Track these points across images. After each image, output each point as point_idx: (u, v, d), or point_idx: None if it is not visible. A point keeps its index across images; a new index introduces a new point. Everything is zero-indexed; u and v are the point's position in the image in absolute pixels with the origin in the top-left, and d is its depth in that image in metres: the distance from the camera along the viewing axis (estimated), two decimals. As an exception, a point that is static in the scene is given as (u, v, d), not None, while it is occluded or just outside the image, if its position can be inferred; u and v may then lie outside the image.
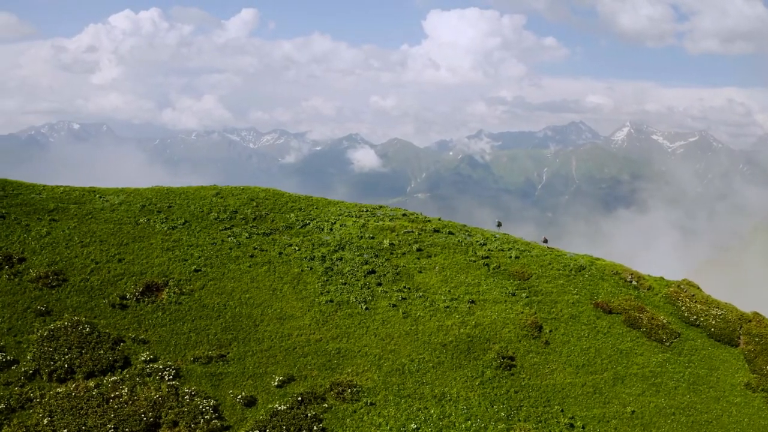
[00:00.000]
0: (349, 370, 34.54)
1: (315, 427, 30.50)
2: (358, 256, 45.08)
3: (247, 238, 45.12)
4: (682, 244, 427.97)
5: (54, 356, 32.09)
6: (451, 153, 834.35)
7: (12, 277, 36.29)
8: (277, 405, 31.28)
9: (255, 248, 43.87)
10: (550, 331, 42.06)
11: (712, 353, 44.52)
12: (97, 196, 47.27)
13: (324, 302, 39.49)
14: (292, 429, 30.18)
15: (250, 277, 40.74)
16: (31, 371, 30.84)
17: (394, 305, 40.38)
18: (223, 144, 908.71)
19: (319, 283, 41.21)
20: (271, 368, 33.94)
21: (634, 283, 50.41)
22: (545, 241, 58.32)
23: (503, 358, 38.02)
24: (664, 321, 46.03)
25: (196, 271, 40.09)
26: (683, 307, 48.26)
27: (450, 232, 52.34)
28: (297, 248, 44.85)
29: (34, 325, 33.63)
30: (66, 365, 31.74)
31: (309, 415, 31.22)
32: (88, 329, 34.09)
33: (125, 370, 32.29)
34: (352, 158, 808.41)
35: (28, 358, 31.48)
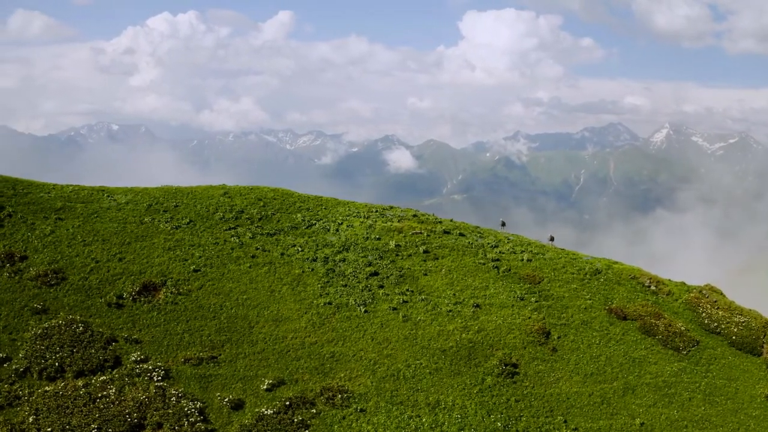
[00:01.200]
0: (342, 375, 33.68)
1: (300, 433, 29.72)
2: (362, 257, 44.21)
3: (250, 238, 44.74)
4: (720, 247, 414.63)
5: (45, 354, 32.13)
6: (487, 154, 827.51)
7: (12, 275, 36.58)
8: (264, 409, 30.66)
9: (257, 248, 43.43)
10: (559, 337, 40.41)
11: (732, 362, 42.17)
12: (106, 195, 47.57)
13: (322, 304, 38.75)
14: (277, 434, 29.46)
15: (249, 278, 40.28)
16: (22, 369, 30.90)
17: (395, 308, 39.37)
18: (260, 145, 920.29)
19: (319, 285, 40.49)
20: (262, 371, 33.34)
21: (652, 288, 48.22)
22: (551, 239, 56.64)
23: (506, 365, 36.62)
24: (682, 328, 43.82)
25: (195, 271, 39.84)
26: (704, 314, 45.91)
27: (461, 234, 51.03)
28: (300, 249, 44.24)
29: (30, 323, 33.76)
30: (56, 364, 31.72)
31: (296, 420, 30.50)
32: (81, 328, 34.09)
33: (115, 370, 32.11)
34: (388, 159, 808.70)
35: (20, 355, 31.56)
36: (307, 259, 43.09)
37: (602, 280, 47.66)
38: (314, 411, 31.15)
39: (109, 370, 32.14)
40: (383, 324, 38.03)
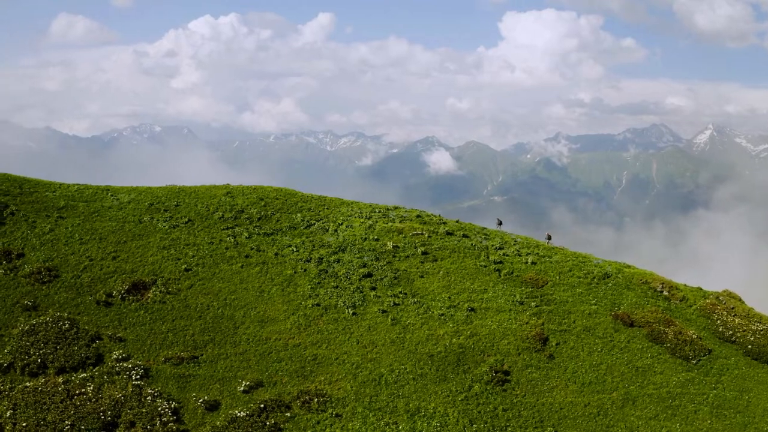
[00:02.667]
0: (322, 378, 32.99)
1: (271, 437, 29.14)
2: (357, 258, 43.46)
3: (246, 237, 44.53)
4: (763, 249, 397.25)
5: (30, 351, 32.46)
6: (528, 156, 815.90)
7: (8, 272, 37.21)
8: (237, 411, 30.18)
9: (252, 248, 43.17)
10: (557, 344, 38.78)
11: (745, 373, 39.70)
12: (109, 194, 48.16)
13: (310, 306, 38.16)
14: (247, 437, 28.94)
15: (240, 278, 40.03)
16: (6, 364, 31.29)
17: (385, 311, 38.46)
18: (301, 146, 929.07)
19: (310, 286, 39.93)
20: (241, 372, 32.94)
21: (665, 293, 45.95)
22: (548, 238, 54.93)
23: (496, 372, 35.28)
24: (694, 336, 41.55)
25: (186, 270, 39.81)
26: (718, 321, 43.46)
27: (464, 236, 49.71)
28: (295, 249, 43.78)
29: (20, 319, 34.22)
30: (39, 360, 32.01)
31: (268, 423, 29.97)
32: (67, 325, 34.34)
33: (96, 368, 32.21)
34: (427, 161, 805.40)
35: (6, 351, 31.98)
36: (301, 259, 42.60)
37: (611, 284, 45.66)
38: (289, 414, 30.55)
39: (91, 367, 32.25)
40: (371, 327, 37.18)
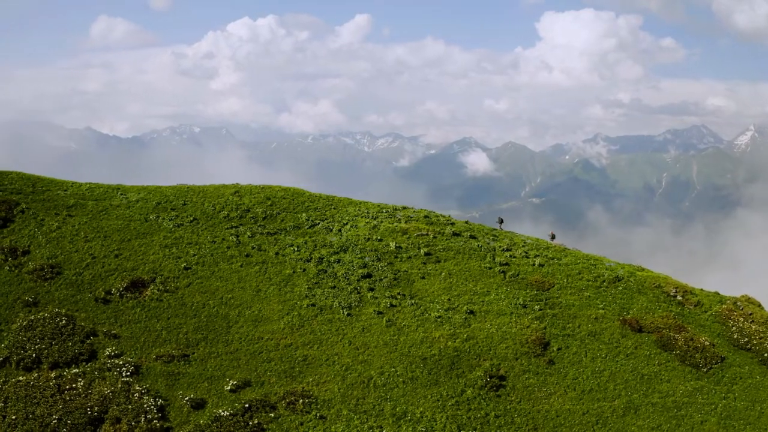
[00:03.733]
0: (310, 380, 32.70)
1: (253, 437, 28.96)
2: (358, 258, 43.06)
3: (249, 237, 44.62)
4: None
5: (26, 346, 33.11)
6: (566, 157, 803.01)
7: (13, 268, 38.07)
8: (221, 410, 30.11)
9: (253, 248, 43.23)
10: (559, 349, 37.62)
11: (760, 382, 37.79)
12: (119, 193, 48.89)
13: (305, 306, 37.94)
14: (228, 436, 28.84)
15: (238, 277, 40.10)
16: (2, 359, 32.00)
17: (380, 312, 37.97)
18: (338, 147, 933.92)
19: (307, 286, 39.74)
20: (230, 372, 32.92)
21: (678, 297, 44.19)
22: (552, 236, 53.59)
23: (491, 377, 34.41)
24: (706, 343, 39.78)
25: (186, 268, 40.08)
26: (734, 328, 41.54)
27: (472, 236, 48.79)
28: (297, 249, 43.66)
29: (20, 315, 34.96)
30: (34, 355, 32.62)
31: (251, 423, 29.84)
32: (64, 321, 34.93)
33: (89, 363, 32.65)
34: (465, 162, 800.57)
35: (2, 346, 32.69)
36: (301, 259, 42.45)
37: (621, 288, 44.13)
38: (273, 415, 30.37)
39: (84, 363, 32.70)
40: (365, 328, 36.73)
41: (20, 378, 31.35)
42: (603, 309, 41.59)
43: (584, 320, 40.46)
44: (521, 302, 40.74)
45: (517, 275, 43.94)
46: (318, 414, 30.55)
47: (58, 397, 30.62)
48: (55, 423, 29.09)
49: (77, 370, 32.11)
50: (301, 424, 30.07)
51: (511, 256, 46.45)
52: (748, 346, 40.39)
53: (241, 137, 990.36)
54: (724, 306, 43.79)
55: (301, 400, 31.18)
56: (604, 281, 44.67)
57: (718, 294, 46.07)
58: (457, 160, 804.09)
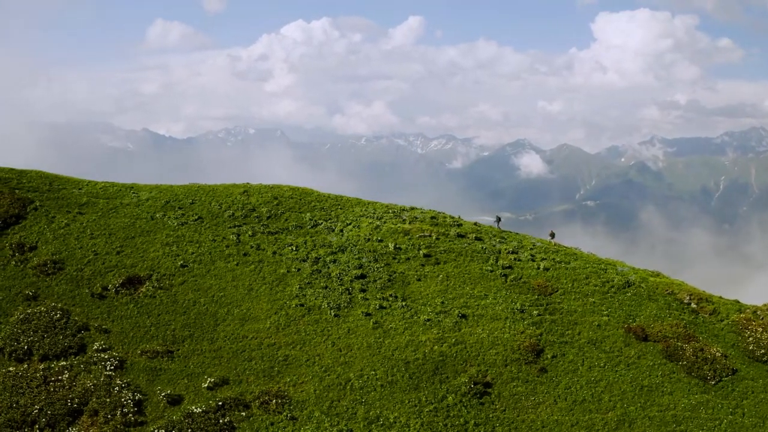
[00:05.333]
0: (288, 380, 32.51)
1: (221, 435, 28.96)
2: (355, 258, 42.65)
3: (250, 236, 44.89)
4: None
5: (20, 338, 34.27)
6: (622, 159, 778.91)
7: (18, 263, 39.51)
8: (194, 407, 30.26)
9: (252, 247, 43.46)
10: (554, 356, 36.14)
11: (772, 400, 35.19)
12: (132, 192, 50.07)
13: (294, 306, 37.81)
14: (197, 433, 28.94)
15: (232, 275, 40.37)
16: (-4, 350, 32.97)
17: (368, 314, 37.43)
18: (391, 149, 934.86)
19: (299, 286, 39.64)
20: (210, 369, 33.13)
21: (692, 305, 41.81)
22: (552, 235, 51.73)
23: (475, 383, 33.34)
24: (717, 354, 37.42)
25: (182, 266, 40.65)
26: (750, 338, 38.93)
27: (478, 238, 47.55)
28: (295, 248, 43.62)
29: (19, 308, 36.21)
30: (26, 347, 33.72)
31: (222, 421, 29.90)
32: (59, 315, 35.97)
33: (77, 357, 33.50)
34: (518, 164, 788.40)
35: (-2, 337, 33.67)
36: (297, 258, 42.37)
37: (630, 294, 42.08)
38: (245, 414, 30.34)
39: (72, 356, 33.56)
40: (351, 330, 36.26)
41: (10, 369, 32.45)
42: (607, 316, 39.74)
43: (585, 327, 38.75)
44: (519, 307, 39.36)
45: (519, 279, 42.53)
46: (289, 415, 30.32)
47: (42, 388, 31.52)
48: (36, 413, 29.96)
49: (65, 363, 32.97)
50: (272, 424, 29.90)
51: (516, 259, 45.02)
52: (765, 359, 37.75)
53: (295, 138, 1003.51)
54: (742, 315, 41.11)
55: (274, 400, 31.03)
56: (612, 287, 42.69)
57: (738, 302, 43.30)
58: (510, 162, 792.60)
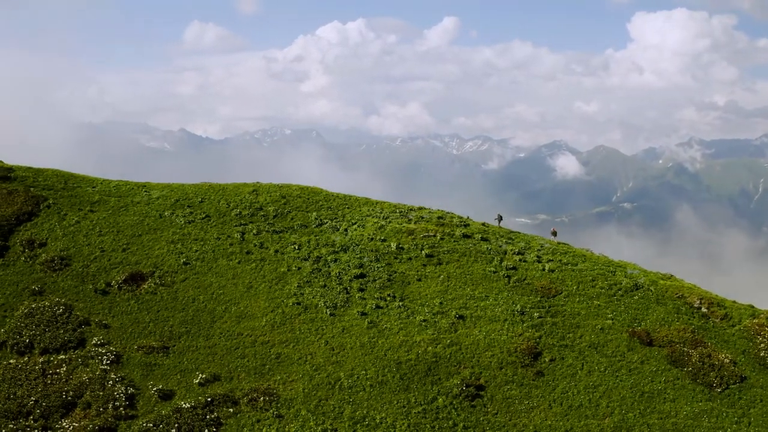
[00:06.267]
0: (278, 378, 32.58)
1: (207, 431, 29.23)
2: (356, 258, 42.51)
3: (254, 234, 45.19)
4: None
5: (23, 332, 35.27)
6: (660, 161, 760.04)
7: (27, 259, 40.62)
8: (183, 402, 30.55)
9: (255, 245, 43.74)
10: (552, 359, 35.35)
11: (782, 410, 33.68)
12: (144, 190, 50.94)
13: (291, 304, 37.90)
14: (183, 428, 29.36)
15: (233, 273, 40.71)
16: (-1, 342, 33.94)
17: (364, 313, 37.25)
18: (427, 150, 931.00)
19: (297, 284, 39.69)
20: (204, 366, 33.47)
21: (703, 309, 40.39)
22: (554, 233, 50.71)
23: (467, 385, 32.83)
24: (726, 360, 36.06)
25: (185, 264, 41.18)
26: (762, 344, 37.39)
27: (484, 239, 46.86)
28: (298, 247, 43.73)
29: (25, 302, 37.16)
30: (27, 340, 34.67)
31: (209, 417, 30.14)
32: (62, 310, 36.85)
33: (76, 351, 34.30)
34: (554, 165, 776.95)
35: (2, 331, 34.78)
36: (299, 257, 42.46)
37: (637, 297, 40.88)
38: (232, 410, 30.53)
39: (71, 350, 34.38)
40: (345, 329, 36.14)
41: (11, 361, 33.38)
42: (611, 319, 38.69)
43: (588, 330, 37.80)
44: (519, 309, 38.63)
45: (523, 280, 41.76)
46: (276, 412, 30.37)
47: (40, 380, 32.35)
48: (31, 404, 30.77)
49: (64, 357, 33.75)
50: (258, 421, 29.99)
51: (521, 260, 44.23)
52: (776, 367, 36.23)
53: (331, 139, 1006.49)
54: (755, 320, 39.50)
55: (262, 398, 31.12)
56: (619, 289, 41.55)
57: (752, 307, 41.63)
58: (546, 164, 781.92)
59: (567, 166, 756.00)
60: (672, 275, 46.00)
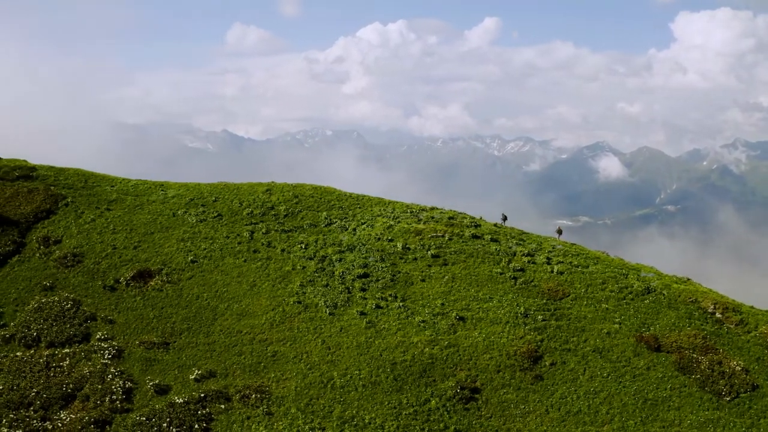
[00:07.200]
0: (272, 375, 32.74)
1: (197, 426, 29.64)
2: (361, 257, 42.41)
3: (263, 233, 45.57)
4: None
5: (31, 325, 36.41)
6: (704, 163, 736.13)
7: (42, 255, 41.92)
8: (177, 397, 30.99)
9: (263, 244, 44.10)
10: (552, 364, 34.52)
11: (796, 422, 32.05)
12: (160, 189, 51.95)
13: (291, 303, 38.06)
14: (175, 422, 29.76)
15: (239, 272, 41.12)
16: (8, 336, 35.39)
17: (363, 313, 37.10)
18: (468, 151, 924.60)
19: (300, 283, 39.81)
20: (201, 362, 33.89)
21: (717, 315, 38.81)
22: (559, 232, 49.64)
23: (462, 388, 32.31)
24: (737, 368, 34.56)
25: (192, 261, 41.80)
26: (778, 355, 35.63)
27: (493, 239, 46.11)
28: (305, 246, 43.89)
29: (36, 297, 38.31)
30: (35, 334, 35.76)
31: (201, 412, 30.49)
32: (70, 305, 37.88)
33: (81, 345, 35.22)
34: (597, 167, 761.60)
35: (12, 324, 35.95)
36: (305, 257, 42.61)
37: (648, 301, 39.55)
38: (224, 407, 30.81)
39: (76, 344, 35.29)
40: (343, 328, 36.06)
41: (18, 353, 34.44)
42: (619, 323, 37.53)
43: (593, 334, 36.77)
44: (523, 311, 37.87)
45: (530, 282, 40.92)
46: (267, 409, 30.52)
47: (43, 373, 33.30)
48: (33, 396, 31.68)
49: (68, 350, 34.68)
50: (248, 417, 30.19)
51: (530, 261, 43.34)
52: (794, 377, 34.51)
53: (372, 140, 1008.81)
54: (774, 328, 37.76)
55: (254, 395, 31.33)
56: (630, 293, 40.29)
57: (772, 313, 39.84)
58: (589, 165, 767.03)
59: (610, 167, 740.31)
60: (689, 279, 44.37)
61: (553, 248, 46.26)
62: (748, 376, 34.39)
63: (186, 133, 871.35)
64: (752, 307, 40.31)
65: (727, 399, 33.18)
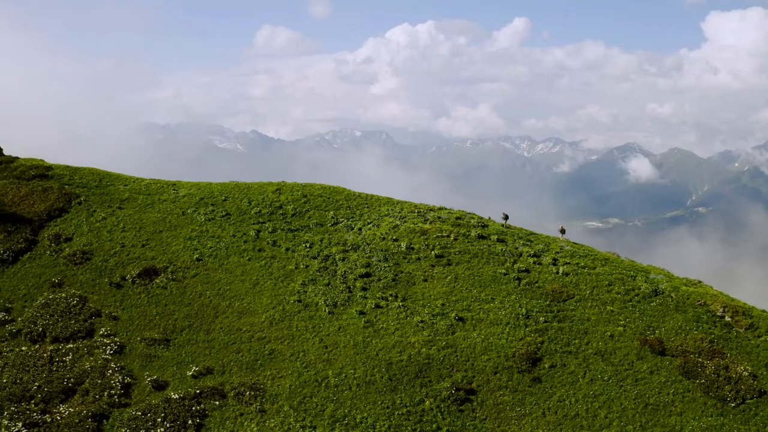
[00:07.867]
0: (268, 373, 32.91)
1: (191, 421, 29.91)
2: (364, 257, 42.38)
3: (270, 232, 45.84)
4: None
5: (37, 321, 37.16)
6: (736, 164, 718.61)
7: (53, 253, 42.82)
8: (174, 393, 31.35)
9: (268, 243, 44.36)
10: (552, 366, 34.00)
11: (805, 432, 31.01)
12: (172, 189, 52.66)
13: (292, 301, 38.20)
14: (169, 417, 30.08)
15: (242, 270, 41.43)
16: (15, 330, 36.18)
17: (362, 313, 37.04)
18: (497, 152, 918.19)
19: (302, 282, 39.94)
20: (200, 359, 34.22)
21: (726, 318, 37.79)
22: (562, 231, 48.76)
23: (458, 389, 32.00)
24: (744, 373, 33.60)
25: (197, 260, 42.27)
26: (789, 361, 34.52)
27: (500, 240, 45.63)
28: (309, 246, 44.03)
29: (44, 293, 39.12)
30: (41, 329, 36.50)
31: (195, 408, 30.77)
32: (76, 302, 38.59)
33: (84, 340, 35.78)
34: (627, 168, 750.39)
35: (19, 320, 36.76)
36: (308, 256, 42.75)
37: (654, 304, 38.70)
38: (218, 403, 31.08)
39: (80, 339, 35.87)
40: (341, 327, 36.06)
41: (23, 348, 35.20)
42: (623, 326, 36.80)
43: (596, 337, 36.12)
44: (524, 312, 37.38)
45: (534, 283, 40.38)
46: (260, 407, 30.65)
47: (46, 367, 33.96)
48: (34, 389, 32.35)
49: (72, 345, 35.31)
50: (241, 414, 30.38)
51: (536, 262, 42.78)
52: (805, 384, 33.40)
53: (400, 141, 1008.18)
54: (787, 333, 36.59)
55: (249, 392, 31.52)
56: (636, 295, 39.48)
57: (787, 318, 38.60)
58: (619, 166, 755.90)
59: (640, 168, 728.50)
60: (700, 281, 43.28)
61: (561, 249, 45.59)
62: (755, 382, 33.40)
63: (215, 133, 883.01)
64: (763, 311, 39.13)
65: (732, 405, 32.27)
